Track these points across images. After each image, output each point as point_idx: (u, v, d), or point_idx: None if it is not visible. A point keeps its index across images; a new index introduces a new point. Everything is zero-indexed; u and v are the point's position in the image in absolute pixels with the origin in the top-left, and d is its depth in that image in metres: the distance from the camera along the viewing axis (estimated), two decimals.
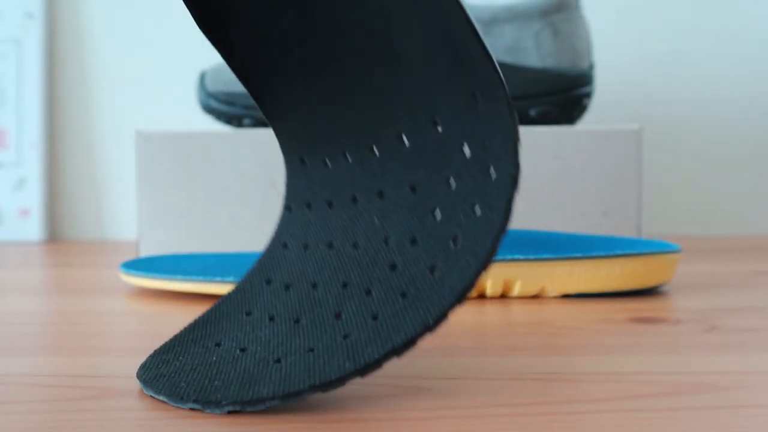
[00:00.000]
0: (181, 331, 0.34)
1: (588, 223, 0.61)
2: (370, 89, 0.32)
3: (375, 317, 0.29)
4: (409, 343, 0.27)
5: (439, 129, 0.30)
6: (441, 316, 0.27)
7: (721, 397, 0.29)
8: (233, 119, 0.67)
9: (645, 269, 0.48)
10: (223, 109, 0.67)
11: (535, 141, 0.60)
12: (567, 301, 0.47)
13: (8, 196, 0.82)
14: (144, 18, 0.86)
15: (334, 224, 0.34)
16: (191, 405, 0.27)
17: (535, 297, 0.48)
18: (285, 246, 0.35)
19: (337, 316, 0.30)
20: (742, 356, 0.35)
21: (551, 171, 0.60)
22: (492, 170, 0.28)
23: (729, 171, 0.86)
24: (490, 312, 0.45)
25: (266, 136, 0.63)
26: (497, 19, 0.63)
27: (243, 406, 0.27)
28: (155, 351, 0.33)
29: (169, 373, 0.30)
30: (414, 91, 0.31)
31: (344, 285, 0.31)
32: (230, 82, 0.67)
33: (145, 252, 0.62)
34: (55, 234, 0.85)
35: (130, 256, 0.67)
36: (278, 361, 0.29)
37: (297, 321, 0.31)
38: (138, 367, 0.32)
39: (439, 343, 0.37)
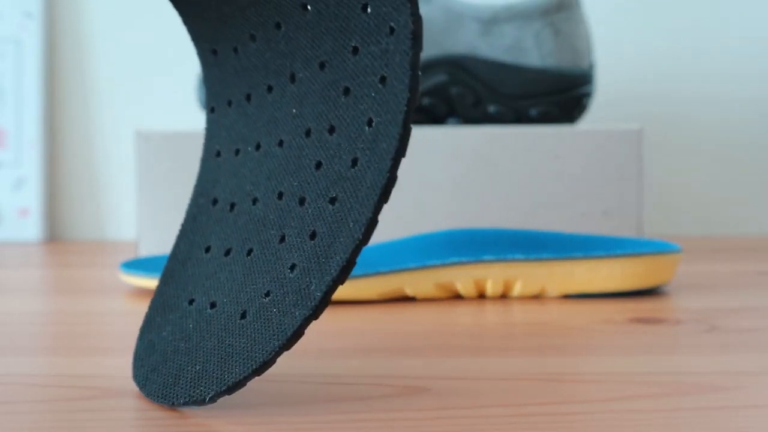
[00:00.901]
0: (156, 292, 0.33)
1: (588, 223, 0.60)
2: (267, 27, 0.31)
3: (313, 236, 0.28)
4: (346, 267, 0.26)
5: (325, 68, 0.29)
6: (370, 222, 0.26)
7: (722, 397, 0.29)
8: None
9: (645, 269, 0.48)
10: None
11: (535, 141, 0.60)
12: (567, 301, 0.47)
13: (7, 196, 0.82)
14: (144, 17, 0.86)
15: (256, 121, 0.33)
16: (183, 407, 0.28)
17: (536, 297, 0.48)
18: (218, 154, 0.34)
19: (282, 239, 0.29)
20: (742, 356, 0.34)
21: (551, 171, 0.60)
22: (393, 26, 0.27)
23: (730, 171, 0.86)
24: (490, 312, 0.45)
25: None
26: (497, 18, 0.63)
27: (229, 390, 0.27)
28: (141, 329, 0.32)
29: (157, 364, 0.30)
30: (309, 32, 0.30)
31: (280, 196, 0.30)
32: None
33: (145, 252, 0.62)
34: (54, 234, 0.85)
35: (130, 256, 0.67)
36: (243, 316, 0.29)
37: (250, 252, 0.30)
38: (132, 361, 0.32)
39: (439, 343, 0.37)
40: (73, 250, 0.75)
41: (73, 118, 0.85)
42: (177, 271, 0.33)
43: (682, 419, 0.26)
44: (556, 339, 0.38)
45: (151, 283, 0.49)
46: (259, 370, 0.27)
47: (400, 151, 0.26)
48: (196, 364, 0.28)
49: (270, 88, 0.32)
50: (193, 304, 0.31)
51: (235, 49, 0.34)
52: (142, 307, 0.46)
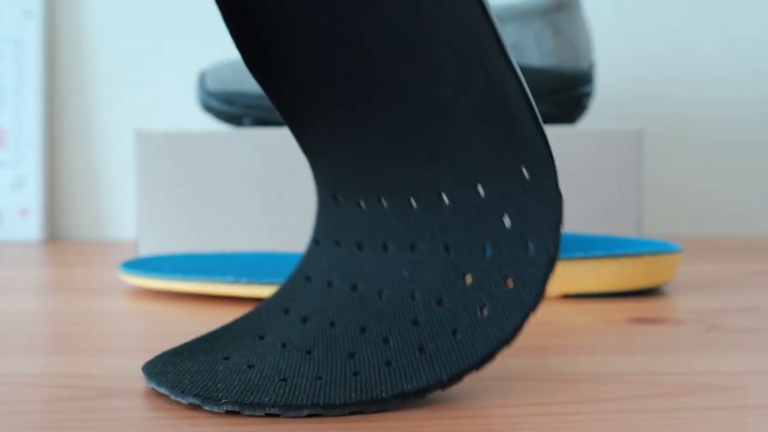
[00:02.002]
0: (192, 340, 0.34)
1: (588, 223, 0.60)
2: (416, 145, 0.32)
3: (389, 364, 0.29)
4: (420, 392, 0.27)
5: (482, 194, 0.30)
6: (456, 376, 0.27)
7: (722, 398, 0.29)
8: (233, 119, 0.67)
9: (645, 269, 0.48)
10: (223, 109, 0.67)
11: None
12: (567, 301, 0.47)
13: (7, 196, 0.82)
14: (144, 17, 0.86)
15: (361, 267, 0.34)
16: (191, 399, 0.27)
17: None
18: (308, 279, 0.36)
19: (351, 355, 0.30)
20: (742, 356, 0.34)
21: None
22: (530, 246, 0.28)
23: (730, 171, 0.86)
24: None
25: (266, 136, 0.63)
26: (498, 18, 0.63)
27: (242, 407, 0.27)
28: (163, 352, 0.32)
29: (174, 371, 0.30)
30: (461, 154, 0.31)
31: (362, 329, 0.31)
32: (230, 82, 0.67)
33: (145, 252, 0.62)
34: (54, 234, 0.85)
35: (130, 256, 0.67)
36: (284, 380, 0.29)
37: (309, 352, 0.31)
38: (141, 365, 0.32)
39: None
40: (73, 250, 0.75)
41: (73, 118, 0.85)
42: (223, 336, 0.34)
43: (682, 419, 0.26)
44: (555, 339, 0.38)
45: (151, 283, 0.49)
46: (288, 408, 0.27)
47: (507, 341, 0.27)
48: (218, 383, 0.28)
49: (385, 247, 0.34)
50: (229, 360, 0.31)
51: (359, 204, 0.35)
52: (142, 307, 0.46)
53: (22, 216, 0.82)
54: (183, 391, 0.28)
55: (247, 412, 0.27)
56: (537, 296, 0.27)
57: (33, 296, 0.51)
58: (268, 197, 0.62)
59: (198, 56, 0.84)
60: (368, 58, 0.31)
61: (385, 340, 0.30)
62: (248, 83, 0.67)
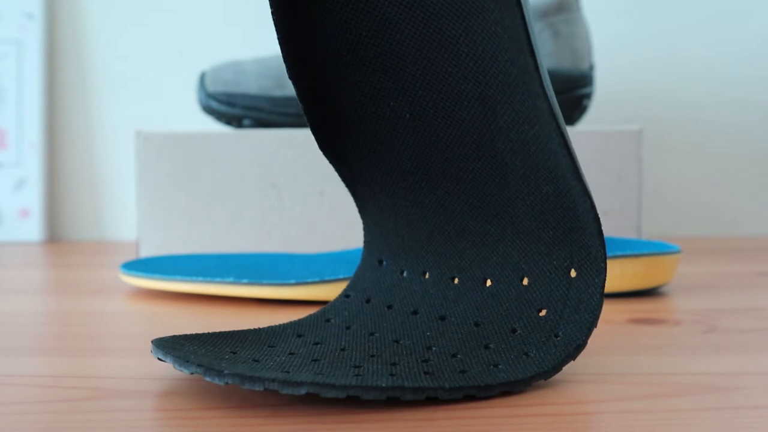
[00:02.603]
0: (202, 333, 0.34)
1: None
2: (471, 230, 0.34)
3: (453, 355, 0.31)
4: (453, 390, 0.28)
5: (525, 287, 0.32)
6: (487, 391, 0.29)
7: (721, 398, 0.29)
8: (233, 120, 0.67)
9: (645, 270, 0.48)
10: (223, 110, 0.67)
11: None
12: None
13: (8, 197, 0.82)
14: (144, 18, 0.86)
15: (385, 321, 0.35)
16: (194, 369, 0.27)
17: None
18: (327, 320, 0.37)
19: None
20: (741, 357, 0.35)
21: None
22: (560, 333, 0.30)
23: (729, 172, 0.86)
24: None
25: (266, 137, 0.63)
26: None
27: (242, 380, 0.26)
28: (173, 336, 0.33)
29: (182, 346, 0.30)
30: (514, 245, 0.32)
31: (393, 365, 0.32)
32: (230, 83, 0.67)
33: (145, 252, 0.62)
34: (54, 234, 0.85)
35: (130, 257, 0.67)
36: (316, 360, 0.30)
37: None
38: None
39: None
40: (74, 251, 0.75)
41: (74, 119, 0.85)
42: (234, 337, 0.34)
43: (682, 420, 0.26)
44: None
45: (151, 283, 0.49)
46: (288, 384, 0.27)
47: (537, 377, 0.29)
48: (222, 361, 0.29)
49: (415, 312, 0.35)
50: (236, 355, 0.31)
51: (402, 272, 0.37)
52: (142, 308, 0.46)
53: (22, 217, 0.82)
54: (187, 361, 0.28)
55: (246, 386, 0.27)
56: (553, 371, 0.29)
57: (34, 297, 0.51)
58: (268, 197, 0.62)
59: (198, 57, 0.84)
60: (440, 150, 0.33)
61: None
62: (248, 84, 0.67)
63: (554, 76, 0.63)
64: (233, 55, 0.84)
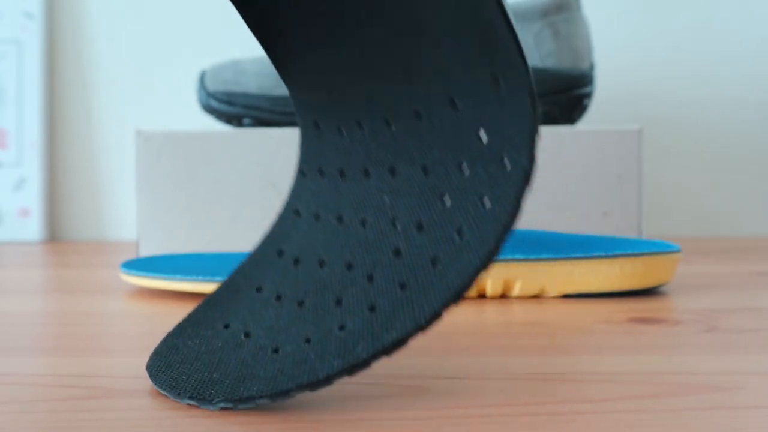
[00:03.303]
0: (196, 309, 0.34)
1: (588, 223, 0.61)
2: (391, 61, 0.32)
3: (372, 309, 0.29)
4: (399, 342, 0.27)
5: (458, 110, 0.30)
6: (435, 315, 0.27)
7: (721, 398, 0.29)
8: (233, 119, 0.67)
9: (645, 269, 0.48)
10: (223, 109, 0.67)
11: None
12: (567, 301, 0.47)
13: (8, 196, 0.82)
14: (144, 17, 0.86)
15: (345, 196, 0.34)
16: (188, 401, 0.28)
17: (535, 297, 0.48)
18: (297, 213, 0.35)
19: (338, 302, 0.30)
20: (741, 357, 0.35)
21: (551, 171, 0.60)
22: (506, 161, 0.27)
23: (729, 171, 0.86)
24: (490, 312, 0.45)
25: (266, 136, 0.63)
26: None
27: (234, 404, 0.27)
28: (169, 333, 0.33)
29: (176, 362, 0.30)
30: (435, 68, 0.30)
31: (349, 266, 0.31)
32: (230, 82, 0.67)
33: (145, 252, 0.62)
34: (55, 234, 0.85)
35: (130, 256, 0.67)
36: (275, 351, 0.29)
37: (301, 304, 0.31)
38: (144, 364, 0.32)
39: (439, 343, 0.37)
40: (74, 251, 0.75)
41: (74, 119, 0.85)
42: (223, 298, 0.34)
43: (681, 419, 0.26)
44: (555, 339, 0.38)
45: (151, 282, 0.49)
46: (276, 396, 0.27)
47: (483, 265, 0.27)
48: (213, 373, 0.29)
49: (367, 173, 0.33)
50: (228, 328, 0.32)
51: (340, 130, 0.35)
52: (142, 307, 0.46)
53: (22, 216, 0.82)
54: (179, 394, 0.28)
55: (240, 407, 0.27)
56: (512, 214, 0.27)
57: (34, 297, 0.51)
58: (268, 197, 0.62)
59: (198, 56, 0.84)
60: None
61: (370, 278, 0.30)
62: (248, 84, 0.67)
63: (554, 75, 0.63)
64: (233, 55, 0.84)
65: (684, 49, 0.85)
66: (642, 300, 0.47)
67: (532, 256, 0.47)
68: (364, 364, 0.27)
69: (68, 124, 0.85)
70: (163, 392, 0.29)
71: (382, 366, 0.33)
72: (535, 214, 0.60)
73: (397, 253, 0.30)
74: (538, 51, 0.63)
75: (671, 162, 0.85)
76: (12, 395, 0.29)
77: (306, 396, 0.29)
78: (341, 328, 0.29)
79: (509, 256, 0.47)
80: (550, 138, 0.61)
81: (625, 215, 0.61)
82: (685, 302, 0.47)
